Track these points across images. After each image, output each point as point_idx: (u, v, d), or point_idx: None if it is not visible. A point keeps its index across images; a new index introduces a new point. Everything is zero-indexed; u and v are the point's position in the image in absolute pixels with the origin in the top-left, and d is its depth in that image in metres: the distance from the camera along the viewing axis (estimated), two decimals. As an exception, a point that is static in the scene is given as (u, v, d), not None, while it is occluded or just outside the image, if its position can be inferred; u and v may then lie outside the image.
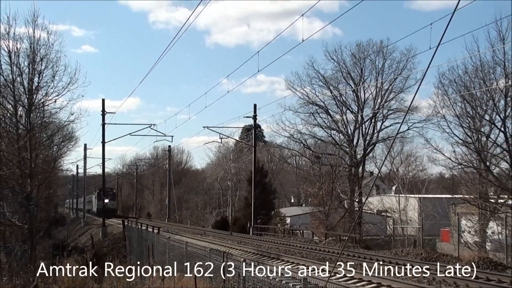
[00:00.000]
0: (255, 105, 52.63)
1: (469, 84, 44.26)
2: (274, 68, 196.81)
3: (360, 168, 59.62)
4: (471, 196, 44.47)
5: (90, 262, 23.54)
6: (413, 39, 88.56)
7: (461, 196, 46.92)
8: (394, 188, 66.47)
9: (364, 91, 59.04)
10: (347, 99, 59.86)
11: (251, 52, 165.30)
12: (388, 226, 56.91)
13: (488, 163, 44.07)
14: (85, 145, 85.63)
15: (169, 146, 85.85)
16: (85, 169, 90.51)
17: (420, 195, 58.27)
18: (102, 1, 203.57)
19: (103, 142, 55.94)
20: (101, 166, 59.06)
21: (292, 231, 52.50)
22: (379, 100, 58.46)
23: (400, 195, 59.07)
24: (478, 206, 43.65)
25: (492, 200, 44.27)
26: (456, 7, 7.69)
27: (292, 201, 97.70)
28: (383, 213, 59.25)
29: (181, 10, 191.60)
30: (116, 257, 28.80)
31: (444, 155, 45.95)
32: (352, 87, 58.50)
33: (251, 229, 52.19)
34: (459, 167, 46.33)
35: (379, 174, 67.98)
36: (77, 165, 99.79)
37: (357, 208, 53.63)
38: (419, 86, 9.00)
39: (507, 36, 42.03)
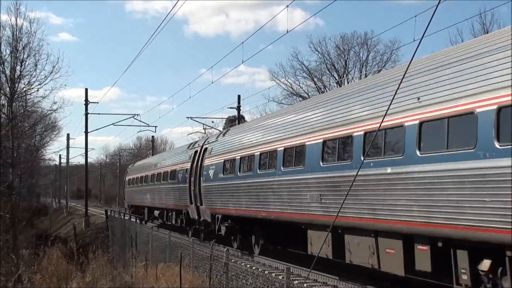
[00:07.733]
0: (239, 96, 53.20)
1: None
2: (253, 58, 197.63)
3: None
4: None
5: (76, 252, 23.55)
6: (397, 32, 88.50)
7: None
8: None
9: (348, 82, 59.13)
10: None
11: (231, 42, 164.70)
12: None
13: None
14: (68, 134, 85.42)
15: (152, 137, 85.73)
16: (67, 159, 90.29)
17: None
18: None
19: (86, 132, 55.64)
20: (84, 156, 58.80)
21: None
22: (363, 92, 58.65)
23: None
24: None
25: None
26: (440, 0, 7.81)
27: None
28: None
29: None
30: (99, 247, 28.86)
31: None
32: (336, 79, 58.63)
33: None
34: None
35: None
36: (60, 155, 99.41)
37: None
38: (402, 79, 9.12)
39: (491, 30, 42.31)
